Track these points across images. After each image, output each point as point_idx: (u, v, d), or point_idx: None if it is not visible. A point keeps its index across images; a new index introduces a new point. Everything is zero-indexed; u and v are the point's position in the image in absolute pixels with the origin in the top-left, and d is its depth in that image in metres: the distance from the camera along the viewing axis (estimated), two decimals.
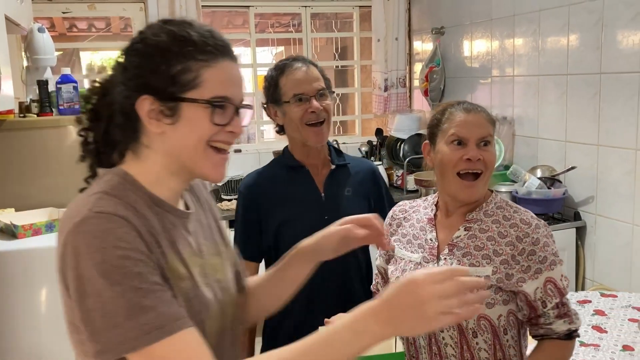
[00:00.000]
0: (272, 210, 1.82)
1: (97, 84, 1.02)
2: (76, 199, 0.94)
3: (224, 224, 3.60)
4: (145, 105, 0.94)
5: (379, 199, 1.93)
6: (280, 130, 1.87)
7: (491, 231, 1.39)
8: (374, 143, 4.23)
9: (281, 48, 6.75)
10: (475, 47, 3.66)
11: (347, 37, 4.83)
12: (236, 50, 4.93)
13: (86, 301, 0.84)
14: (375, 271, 1.65)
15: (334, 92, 1.89)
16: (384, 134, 4.25)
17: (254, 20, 4.19)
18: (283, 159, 1.90)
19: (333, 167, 1.87)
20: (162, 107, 0.94)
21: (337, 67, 5.42)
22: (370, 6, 4.15)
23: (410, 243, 1.49)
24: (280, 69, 1.81)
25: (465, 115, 1.41)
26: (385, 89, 4.21)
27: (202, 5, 3.82)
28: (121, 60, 0.98)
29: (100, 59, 6.36)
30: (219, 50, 0.96)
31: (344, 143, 4.33)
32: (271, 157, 3.99)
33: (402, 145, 3.98)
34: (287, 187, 1.84)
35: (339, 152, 1.93)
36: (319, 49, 5.20)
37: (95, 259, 0.84)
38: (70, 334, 0.92)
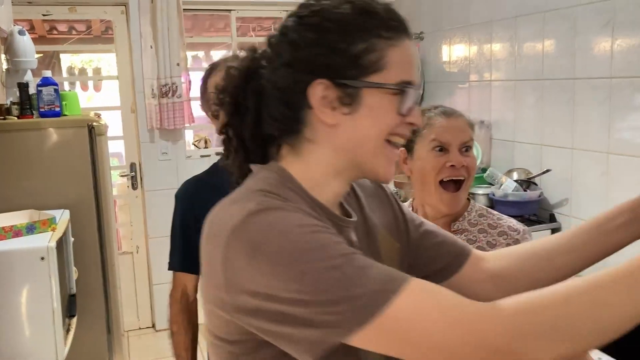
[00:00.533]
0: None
1: (234, 71, 0.87)
2: (224, 203, 0.81)
3: None
4: (318, 91, 0.79)
5: None
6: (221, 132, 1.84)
7: (479, 241, 1.37)
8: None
9: None
10: (454, 52, 3.72)
11: None
12: (219, 54, 4.94)
13: (284, 295, 0.69)
14: None
15: None
16: None
17: (236, 24, 4.21)
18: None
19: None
20: (340, 93, 0.79)
21: None
22: None
23: None
24: (210, 70, 1.80)
25: (446, 120, 1.35)
26: None
27: (184, 9, 3.83)
28: (286, 36, 0.82)
29: (81, 61, 6.32)
30: (403, 27, 0.83)
31: None
32: None
33: None
34: (228, 193, 1.74)
35: None
36: None
37: (282, 244, 0.71)
38: (228, 349, 0.81)
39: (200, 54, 6.94)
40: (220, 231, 0.75)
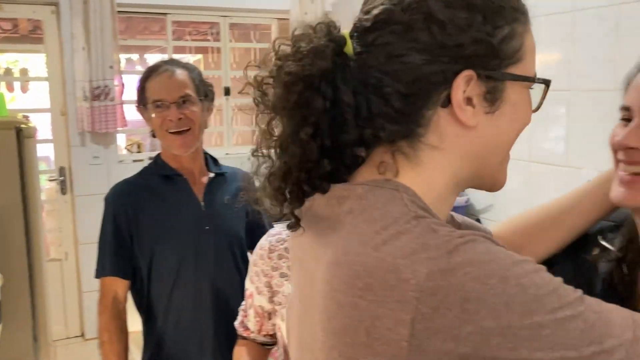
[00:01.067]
0: (146, 223, 1.70)
1: (311, 53, 0.65)
2: (349, 245, 0.60)
3: None
4: (461, 85, 0.63)
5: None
6: (153, 134, 1.78)
7: None
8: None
9: (199, 56, 6.73)
10: None
11: (266, 48, 4.89)
12: (153, 57, 4.89)
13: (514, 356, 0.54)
14: (248, 308, 1.39)
15: (207, 97, 1.75)
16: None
17: (172, 27, 4.18)
18: (156, 167, 1.79)
19: (212, 175, 1.79)
20: (485, 87, 0.64)
21: None
22: (289, 19, 4.24)
23: None
24: (148, 72, 1.74)
25: None
26: None
27: (118, 11, 3.76)
28: (422, 12, 0.63)
29: (6, 61, 6.07)
30: (526, 8, 0.68)
31: None
32: None
33: None
34: (164, 197, 1.73)
35: (215, 160, 1.86)
36: (238, 58, 5.24)
37: (506, 290, 0.54)
38: None
39: (135, 56, 6.81)
40: (392, 284, 0.55)
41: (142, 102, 1.74)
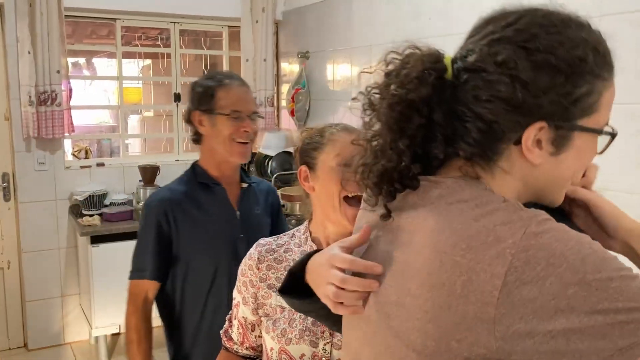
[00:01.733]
0: (186, 230, 1.76)
1: (419, 76, 0.76)
2: (450, 217, 0.73)
3: (86, 240, 3.51)
4: (533, 132, 0.73)
5: (277, 214, 1.99)
6: (197, 140, 1.84)
7: None
8: None
9: (148, 61, 6.66)
10: (337, 73, 3.91)
11: (217, 55, 4.91)
12: (101, 61, 4.81)
13: (577, 310, 0.64)
14: (233, 318, 1.42)
15: (261, 115, 1.94)
16: (253, 151, 4.37)
17: (121, 32, 4.14)
18: (195, 175, 1.84)
19: (245, 185, 1.88)
20: (554, 135, 0.74)
21: None
22: (239, 27, 4.27)
23: None
24: (218, 81, 1.81)
25: (348, 136, 1.31)
26: None
27: (66, 15, 3.71)
28: (509, 69, 0.72)
29: None
30: (613, 65, 0.77)
31: None
32: (136, 172, 3.99)
33: (270, 162, 4.12)
34: (202, 205, 1.80)
35: (245, 171, 1.94)
36: (188, 64, 5.22)
37: (579, 254, 0.66)
38: None
39: (81, 60, 6.68)
40: (491, 243, 0.68)
41: (207, 107, 1.79)
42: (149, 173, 3.84)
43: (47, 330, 3.93)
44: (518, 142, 0.74)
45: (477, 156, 0.76)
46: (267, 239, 1.39)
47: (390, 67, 0.81)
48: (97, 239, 3.57)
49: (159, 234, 1.76)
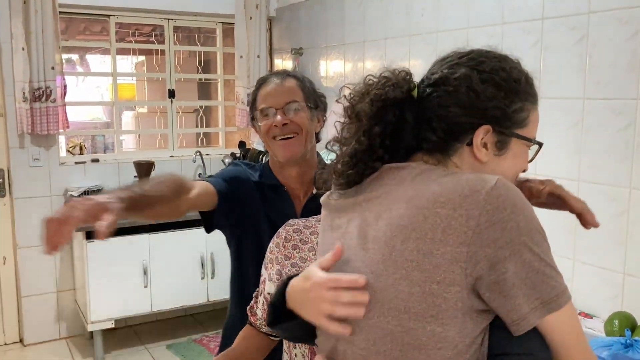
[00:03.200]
0: (244, 214, 1.70)
1: (392, 88, 0.98)
2: (426, 182, 0.91)
3: (81, 235, 3.53)
4: (481, 134, 0.95)
5: None
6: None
7: None
8: (237, 155, 4.37)
9: (142, 58, 6.67)
10: (331, 68, 3.95)
11: (210, 51, 4.93)
12: (94, 58, 4.81)
13: (525, 255, 0.83)
14: (260, 294, 1.44)
15: (317, 108, 1.72)
16: (247, 147, 4.40)
17: (114, 29, 4.16)
18: (264, 172, 1.76)
19: (315, 191, 1.70)
20: (496, 138, 0.96)
21: (200, 80, 5.49)
22: (233, 23, 4.30)
23: None
24: (259, 83, 1.75)
25: None
26: (248, 104, 4.35)
27: (60, 12, 3.72)
28: (466, 82, 0.96)
29: None
30: (537, 94, 1.02)
31: (207, 155, 4.41)
32: (130, 168, 4.01)
33: (264, 157, 4.16)
34: (266, 199, 1.71)
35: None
36: (182, 61, 5.24)
37: (531, 213, 0.86)
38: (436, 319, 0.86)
39: (75, 57, 6.68)
40: (467, 194, 0.85)
41: (252, 114, 1.73)
42: (144, 169, 3.87)
43: (43, 325, 3.95)
44: (470, 143, 0.96)
45: (436, 150, 0.97)
46: (296, 220, 1.43)
47: (370, 82, 1.02)
48: (92, 235, 3.60)
49: (227, 187, 1.68)
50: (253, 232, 1.71)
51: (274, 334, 1.43)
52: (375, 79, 1.01)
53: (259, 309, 1.42)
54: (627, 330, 1.52)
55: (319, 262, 0.98)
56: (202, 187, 1.63)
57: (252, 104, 1.73)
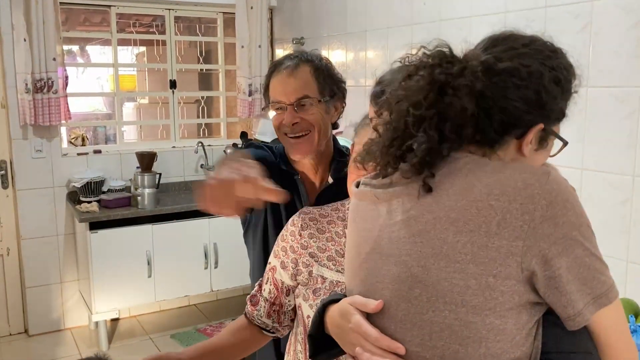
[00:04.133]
0: (265, 209, 1.62)
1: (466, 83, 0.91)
2: (477, 174, 0.87)
3: (85, 226, 3.54)
4: (535, 131, 0.93)
5: None
6: None
7: None
8: (239, 145, 4.37)
9: (142, 48, 6.65)
10: (332, 58, 3.93)
11: (211, 42, 4.92)
12: (94, 49, 4.79)
13: (577, 250, 0.83)
14: (265, 282, 1.39)
15: (333, 97, 1.61)
16: (249, 137, 4.40)
17: (115, 19, 4.14)
18: (279, 155, 1.67)
19: (331, 181, 1.64)
20: (542, 135, 0.94)
21: (201, 70, 5.47)
22: (234, 13, 4.28)
23: (333, 260, 1.31)
24: (272, 68, 1.63)
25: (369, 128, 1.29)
26: (250, 94, 4.37)
27: (60, 2, 3.71)
28: (535, 78, 0.91)
29: None
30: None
31: (209, 145, 4.41)
32: (132, 159, 4.02)
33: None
34: (280, 185, 1.59)
35: (343, 163, 1.59)
36: (183, 51, 5.22)
37: (580, 208, 0.86)
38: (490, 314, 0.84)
39: (75, 48, 6.66)
40: (521, 187, 0.83)
41: (267, 101, 1.65)
42: (147, 159, 3.87)
43: (47, 316, 3.97)
44: (519, 136, 0.93)
45: (487, 142, 0.92)
46: (311, 208, 1.38)
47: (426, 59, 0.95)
48: (95, 225, 3.61)
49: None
50: (269, 219, 1.64)
51: (268, 329, 1.40)
52: (444, 63, 0.93)
53: (264, 295, 1.39)
54: (631, 317, 1.53)
55: (358, 302, 0.96)
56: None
57: (265, 90, 1.64)
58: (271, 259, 1.40)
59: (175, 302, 4.19)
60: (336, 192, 1.53)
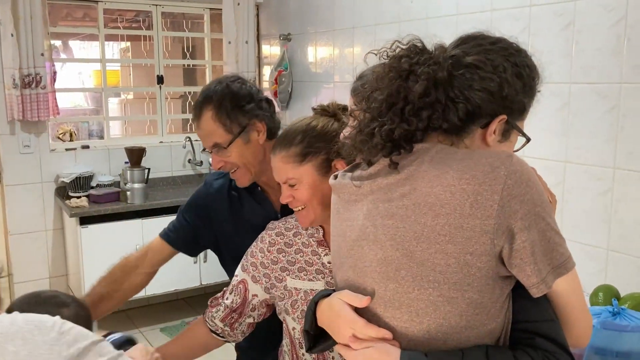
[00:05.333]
0: (227, 220, 1.70)
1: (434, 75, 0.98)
2: (447, 162, 0.95)
3: (75, 221, 3.56)
4: (497, 121, 1.00)
5: None
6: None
7: None
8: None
9: (127, 43, 6.63)
10: (319, 54, 4.00)
11: (196, 37, 4.94)
12: (77, 44, 4.78)
13: (540, 224, 0.92)
14: (230, 292, 1.46)
15: (251, 119, 1.60)
16: None
17: (97, 14, 4.14)
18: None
19: None
20: (505, 128, 1.02)
21: (186, 65, 5.49)
22: (221, 9, 4.31)
23: (304, 271, 1.37)
24: None
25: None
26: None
27: None
28: (499, 72, 0.99)
29: None
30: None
31: (196, 140, 4.45)
32: (120, 154, 4.04)
33: None
34: (244, 202, 1.69)
35: None
36: (169, 47, 5.24)
37: (540, 187, 0.94)
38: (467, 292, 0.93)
39: (57, 43, 6.61)
40: (488, 170, 0.91)
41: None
42: (136, 155, 3.89)
43: None
44: (484, 126, 1.00)
45: (454, 130, 1.00)
46: (276, 223, 1.44)
47: (400, 52, 1.02)
48: (85, 220, 3.63)
49: (194, 216, 1.73)
50: (231, 235, 1.71)
51: (218, 332, 1.48)
52: (412, 54, 1.00)
53: (228, 300, 1.44)
54: (614, 300, 1.62)
55: (347, 297, 1.03)
56: (155, 249, 1.78)
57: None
58: (239, 272, 1.45)
59: (164, 296, 4.23)
60: None
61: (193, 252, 1.83)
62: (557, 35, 2.42)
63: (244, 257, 1.46)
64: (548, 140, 2.46)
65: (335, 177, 1.12)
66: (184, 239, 1.75)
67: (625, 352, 1.43)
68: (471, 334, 0.94)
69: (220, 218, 1.72)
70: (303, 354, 1.39)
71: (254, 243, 1.44)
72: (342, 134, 1.22)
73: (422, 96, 0.97)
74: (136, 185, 3.81)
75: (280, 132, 1.51)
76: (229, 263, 1.72)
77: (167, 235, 1.77)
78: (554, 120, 2.46)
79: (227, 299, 1.46)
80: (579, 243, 2.40)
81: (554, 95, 2.46)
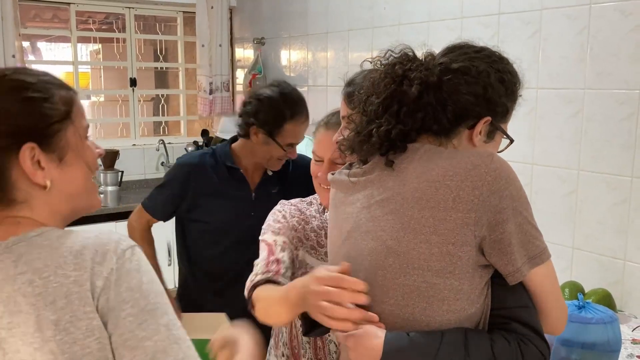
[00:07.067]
0: (202, 195, 2.06)
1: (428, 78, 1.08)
2: (432, 160, 1.04)
3: None
4: (482, 123, 1.09)
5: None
6: (244, 136, 2.05)
7: None
8: (200, 143, 4.42)
9: (97, 45, 6.57)
10: (293, 58, 4.05)
11: (168, 40, 4.94)
12: (47, 45, 4.74)
13: (518, 218, 1.00)
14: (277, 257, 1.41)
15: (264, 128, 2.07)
16: (210, 135, 4.46)
17: (67, 16, 4.12)
18: (223, 154, 2.10)
19: (270, 173, 2.13)
20: (489, 129, 1.12)
21: (158, 68, 5.48)
22: (194, 12, 4.33)
23: (314, 249, 1.45)
24: (291, 111, 2.03)
25: (325, 131, 1.48)
26: (211, 92, 4.42)
27: None
28: (482, 77, 1.08)
29: None
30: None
31: (169, 143, 4.45)
32: None
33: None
34: (221, 179, 2.06)
35: (291, 162, 2.14)
36: (141, 49, 5.22)
37: (519, 183, 1.02)
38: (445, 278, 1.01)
39: (25, 44, 6.51)
40: (470, 168, 0.99)
41: (271, 130, 2.05)
42: (109, 158, 3.88)
43: None
44: (470, 127, 1.09)
45: (443, 132, 1.09)
46: (291, 201, 1.54)
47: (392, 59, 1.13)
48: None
49: (174, 191, 2.08)
50: (207, 204, 2.07)
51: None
52: (404, 61, 1.11)
53: (284, 264, 1.37)
54: (580, 294, 1.71)
55: (328, 268, 1.10)
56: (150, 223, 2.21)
57: (279, 128, 2.02)
58: (272, 237, 1.41)
59: None
60: (275, 179, 2.13)
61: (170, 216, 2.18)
62: (525, 42, 2.52)
63: (267, 226, 1.44)
64: (516, 143, 2.53)
65: (333, 173, 1.22)
66: (166, 209, 2.15)
67: (591, 342, 1.52)
68: (452, 318, 1.02)
69: (202, 186, 2.06)
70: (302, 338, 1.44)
71: (272, 214, 1.49)
72: (339, 136, 1.30)
73: (416, 99, 1.06)
74: (109, 188, 3.80)
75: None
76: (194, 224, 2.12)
77: (160, 216, 2.20)
78: (521, 124, 2.55)
79: (283, 259, 1.38)
80: (546, 242, 2.49)
81: (522, 100, 2.54)
